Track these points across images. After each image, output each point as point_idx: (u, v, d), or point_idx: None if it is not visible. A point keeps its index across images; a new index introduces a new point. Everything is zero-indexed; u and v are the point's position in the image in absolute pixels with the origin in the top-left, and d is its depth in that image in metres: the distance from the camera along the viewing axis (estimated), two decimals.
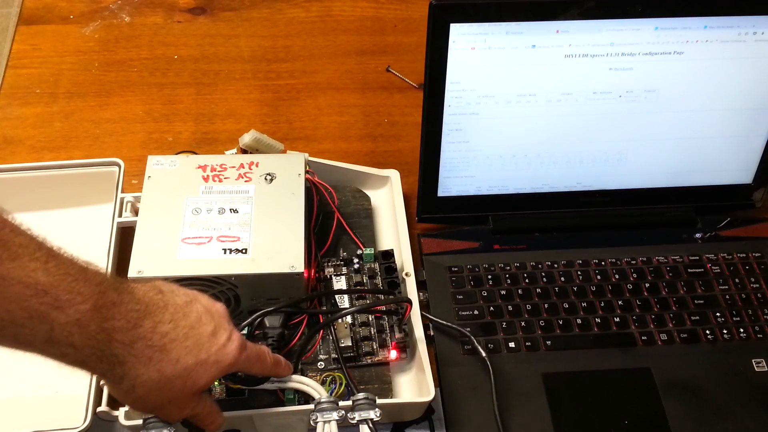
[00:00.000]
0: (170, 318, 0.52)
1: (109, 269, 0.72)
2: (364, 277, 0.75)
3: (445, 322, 0.74)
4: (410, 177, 0.84)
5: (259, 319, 0.67)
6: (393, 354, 0.70)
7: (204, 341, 0.53)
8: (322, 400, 0.62)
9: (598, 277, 0.79)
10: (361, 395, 0.62)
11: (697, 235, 0.84)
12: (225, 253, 0.68)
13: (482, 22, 0.69)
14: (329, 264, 0.76)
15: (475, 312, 0.76)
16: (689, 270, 0.80)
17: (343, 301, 0.73)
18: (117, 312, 0.49)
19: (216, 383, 0.67)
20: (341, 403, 0.62)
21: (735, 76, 0.75)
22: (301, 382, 0.65)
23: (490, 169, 0.80)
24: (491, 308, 0.76)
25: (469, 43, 0.70)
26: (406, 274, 0.76)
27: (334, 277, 0.75)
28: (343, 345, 0.69)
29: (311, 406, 0.62)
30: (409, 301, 0.71)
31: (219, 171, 0.74)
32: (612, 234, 0.83)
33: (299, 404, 0.65)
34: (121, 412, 0.63)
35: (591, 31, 0.71)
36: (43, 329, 0.45)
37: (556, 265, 0.80)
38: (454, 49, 0.70)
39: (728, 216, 0.85)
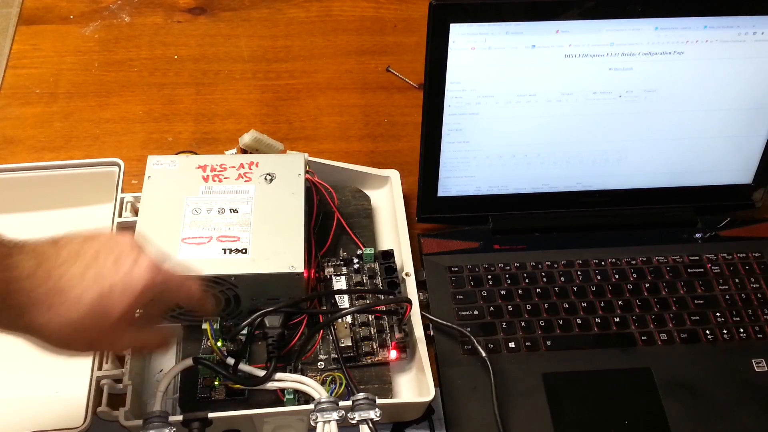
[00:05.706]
0: (63, 261, 0.52)
1: None
2: (364, 277, 0.75)
3: (445, 322, 0.74)
4: (410, 177, 0.84)
5: (259, 319, 0.67)
6: (393, 354, 0.70)
7: (105, 272, 0.53)
8: (322, 400, 0.62)
9: (598, 277, 0.79)
10: (361, 395, 0.62)
11: (697, 235, 0.84)
12: (225, 253, 0.68)
13: (482, 22, 0.69)
14: (329, 264, 0.76)
15: (475, 312, 0.76)
16: (689, 270, 0.80)
17: (343, 301, 0.73)
18: (10, 263, 0.50)
19: (216, 382, 0.67)
20: (341, 403, 0.62)
21: (735, 76, 0.75)
22: (301, 382, 0.65)
23: (490, 169, 0.80)
24: (491, 308, 0.76)
25: (469, 43, 0.70)
26: (406, 274, 0.76)
27: (334, 277, 0.75)
28: (343, 345, 0.69)
29: (311, 406, 0.62)
30: (409, 301, 0.71)
31: (219, 171, 0.74)
32: (612, 234, 0.83)
33: (299, 404, 0.65)
34: (121, 413, 0.63)
35: (591, 31, 0.71)
36: None
37: (556, 265, 0.80)
38: (454, 49, 0.70)
39: (728, 216, 0.85)
